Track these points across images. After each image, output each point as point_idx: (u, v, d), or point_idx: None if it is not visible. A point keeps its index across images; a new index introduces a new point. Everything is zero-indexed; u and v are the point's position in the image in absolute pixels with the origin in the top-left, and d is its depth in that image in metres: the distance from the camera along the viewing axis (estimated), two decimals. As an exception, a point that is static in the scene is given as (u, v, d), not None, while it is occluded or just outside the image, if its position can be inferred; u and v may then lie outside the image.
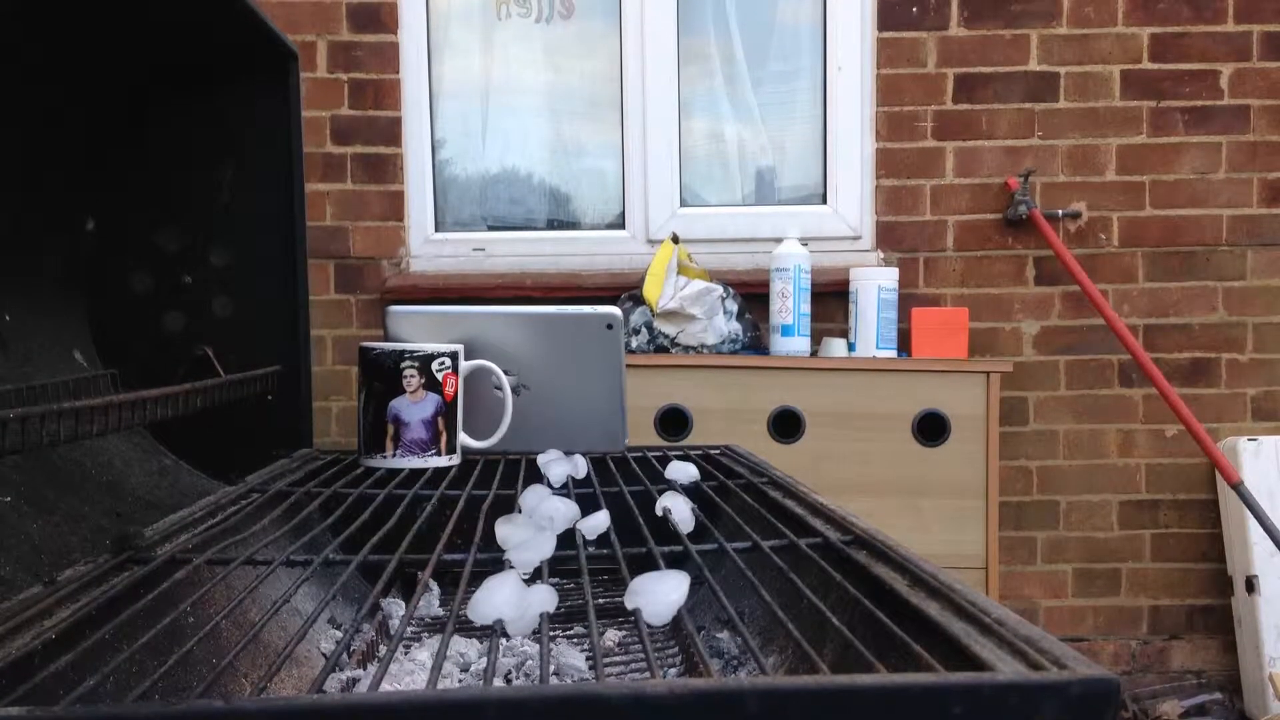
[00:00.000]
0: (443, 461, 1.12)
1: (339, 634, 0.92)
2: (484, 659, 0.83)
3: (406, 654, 0.86)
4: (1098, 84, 2.53)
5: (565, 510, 0.82)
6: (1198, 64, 2.52)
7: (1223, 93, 2.53)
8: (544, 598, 0.58)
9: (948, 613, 0.54)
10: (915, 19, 2.53)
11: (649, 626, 0.57)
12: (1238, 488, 2.25)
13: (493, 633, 0.56)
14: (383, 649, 0.90)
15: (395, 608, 0.98)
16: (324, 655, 0.85)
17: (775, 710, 0.39)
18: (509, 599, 0.58)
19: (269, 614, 0.61)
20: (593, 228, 2.69)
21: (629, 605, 0.59)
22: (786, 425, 2.18)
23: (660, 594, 0.59)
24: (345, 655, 0.84)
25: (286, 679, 0.76)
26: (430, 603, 1.00)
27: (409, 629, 0.95)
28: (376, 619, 0.96)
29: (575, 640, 0.90)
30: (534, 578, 0.67)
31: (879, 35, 2.54)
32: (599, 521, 0.80)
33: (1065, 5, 2.52)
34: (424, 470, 1.09)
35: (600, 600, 1.01)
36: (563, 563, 0.75)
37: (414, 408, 1.09)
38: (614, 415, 1.21)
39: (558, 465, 1.06)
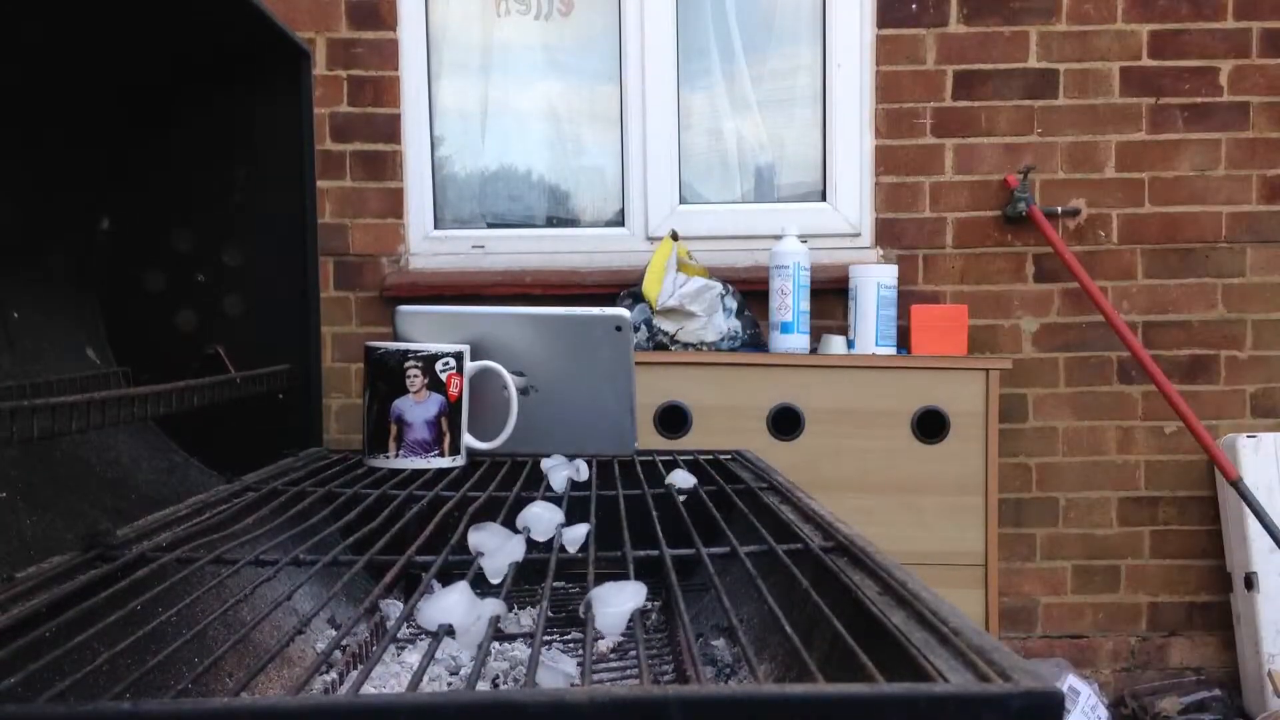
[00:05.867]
0: (445, 462, 1.11)
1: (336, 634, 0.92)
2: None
3: (398, 656, 0.86)
4: (1097, 81, 2.53)
5: (548, 516, 0.81)
6: (1197, 61, 2.52)
7: (1222, 90, 2.52)
8: (493, 607, 0.59)
9: (911, 622, 0.53)
10: (914, 16, 2.52)
11: (597, 633, 0.56)
12: (1237, 484, 2.25)
13: (439, 637, 0.56)
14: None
15: (394, 609, 0.98)
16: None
17: (699, 720, 0.39)
18: (459, 605, 0.58)
19: (227, 607, 0.61)
20: (592, 225, 2.68)
21: (582, 613, 0.59)
22: (786, 423, 2.18)
23: (612, 603, 0.58)
24: (339, 655, 0.84)
25: (275, 678, 0.76)
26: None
27: (406, 629, 0.95)
28: (374, 620, 0.96)
29: (569, 646, 0.90)
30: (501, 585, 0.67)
31: (878, 32, 2.53)
32: (578, 533, 0.79)
33: (1064, 2, 2.52)
34: (426, 471, 1.09)
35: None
36: (564, 565, 0.75)
37: (417, 408, 1.09)
38: (623, 417, 1.19)
39: (560, 470, 1.05)
